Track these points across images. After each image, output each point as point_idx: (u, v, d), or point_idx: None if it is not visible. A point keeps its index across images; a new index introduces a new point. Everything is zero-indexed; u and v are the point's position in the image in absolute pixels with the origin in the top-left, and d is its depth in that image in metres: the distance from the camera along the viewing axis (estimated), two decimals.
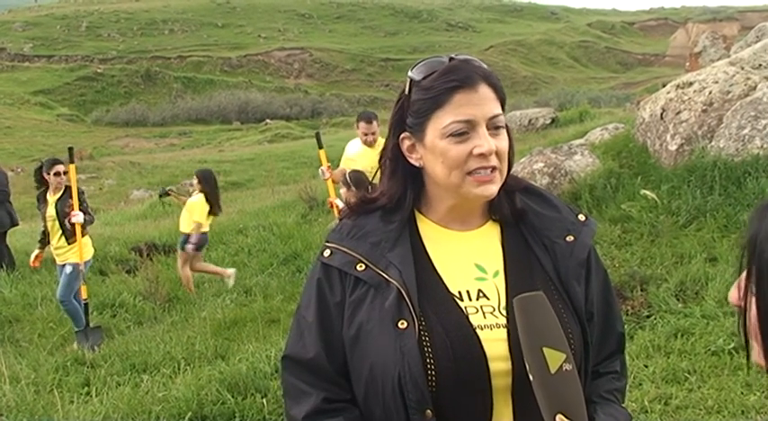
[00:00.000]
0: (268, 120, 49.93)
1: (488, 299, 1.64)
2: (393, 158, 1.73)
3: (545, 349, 1.35)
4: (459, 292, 1.64)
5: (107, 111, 57.15)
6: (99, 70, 67.66)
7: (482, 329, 1.58)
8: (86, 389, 6.13)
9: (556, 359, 1.35)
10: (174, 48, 76.39)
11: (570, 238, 1.72)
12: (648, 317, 5.98)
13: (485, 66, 1.67)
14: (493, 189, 1.64)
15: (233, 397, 5.10)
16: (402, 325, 1.56)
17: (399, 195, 1.71)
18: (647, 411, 4.54)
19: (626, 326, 5.82)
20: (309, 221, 11.87)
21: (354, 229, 1.72)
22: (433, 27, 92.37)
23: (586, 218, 1.79)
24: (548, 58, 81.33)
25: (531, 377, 1.37)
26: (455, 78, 1.60)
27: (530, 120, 17.59)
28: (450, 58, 1.66)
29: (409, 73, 1.68)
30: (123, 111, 56.46)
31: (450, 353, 1.55)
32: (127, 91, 64.84)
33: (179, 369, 6.18)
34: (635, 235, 7.52)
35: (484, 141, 1.59)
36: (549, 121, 17.36)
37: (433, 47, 75.65)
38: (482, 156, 1.60)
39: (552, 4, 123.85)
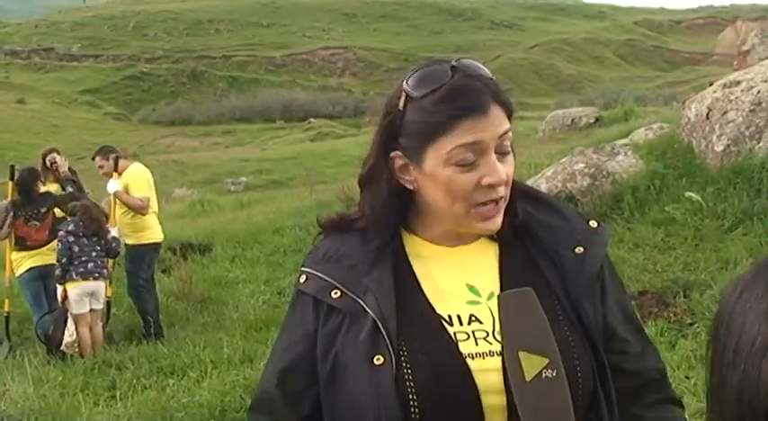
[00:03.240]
0: (311, 119, 50.07)
1: (481, 323, 1.42)
2: (377, 177, 1.49)
3: (521, 353, 1.19)
4: (449, 316, 1.42)
5: (153, 109, 57.91)
6: (145, 69, 68.56)
7: (473, 358, 1.37)
8: (112, 392, 6.06)
9: (534, 364, 1.19)
10: (220, 47, 77.09)
11: (580, 250, 1.48)
12: (691, 324, 5.74)
13: (490, 76, 1.43)
14: (497, 222, 1.43)
15: None
16: (378, 361, 1.36)
17: (381, 217, 1.49)
18: None
19: (667, 335, 5.65)
20: None
21: (331, 250, 1.52)
22: (477, 26, 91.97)
23: (598, 224, 1.55)
24: (593, 57, 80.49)
25: (509, 383, 1.21)
26: (463, 105, 1.37)
27: (572, 120, 17.27)
28: (452, 67, 1.41)
29: (404, 86, 1.43)
30: (169, 109, 57.15)
31: (436, 388, 1.34)
32: (172, 90, 65.63)
33: (206, 373, 6.08)
34: (678, 239, 7.26)
35: (493, 171, 1.38)
36: (592, 121, 17.01)
37: (477, 46, 75.35)
38: (491, 187, 1.39)
39: (599, 2, 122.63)
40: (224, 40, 79.70)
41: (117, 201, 8.00)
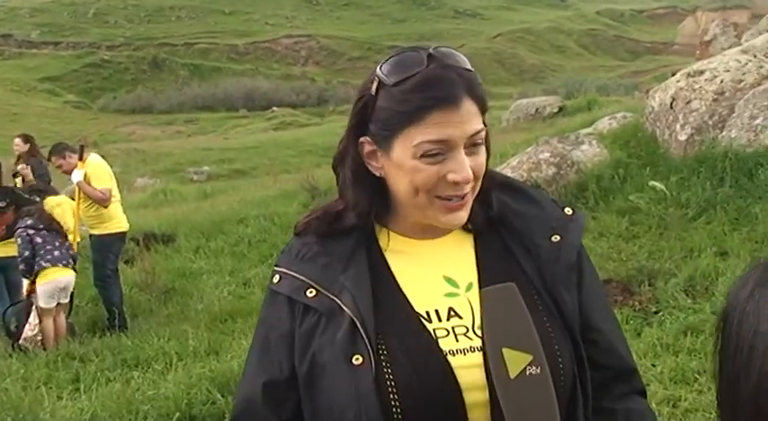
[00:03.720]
0: (274, 108, 49.86)
1: (461, 318, 1.38)
2: (356, 165, 1.46)
3: (505, 350, 1.19)
4: (427, 313, 1.39)
5: (114, 97, 57.30)
6: (106, 57, 67.76)
7: (454, 355, 1.33)
8: (76, 385, 5.96)
9: (518, 361, 1.19)
10: (181, 35, 76.39)
11: (556, 238, 1.46)
12: (656, 313, 5.77)
13: (468, 66, 1.39)
14: (462, 216, 1.40)
15: (223, 396, 4.91)
16: (357, 360, 1.33)
17: (368, 210, 1.46)
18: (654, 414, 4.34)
19: (633, 323, 5.69)
20: None
21: (305, 249, 1.48)
22: (441, 14, 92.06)
23: (574, 211, 1.52)
24: (556, 46, 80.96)
25: (493, 381, 1.20)
26: (435, 95, 1.34)
27: (536, 109, 17.36)
28: (429, 56, 1.37)
29: (378, 71, 1.40)
30: (130, 98, 56.58)
31: (417, 387, 1.31)
32: (134, 78, 64.97)
33: (171, 365, 6.01)
34: (643, 227, 7.31)
35: (460, 168, 1.34)
36: (556, 110, 17.10)
37: (440, 34, 75.40)
38: (456, 183, 1.36)
39: None
40: (186, 28, 78.96)
41: (81, 192, 7.90)
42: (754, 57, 8.49)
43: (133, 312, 8.31)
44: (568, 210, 1.52)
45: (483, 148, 1.41)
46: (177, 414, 4.78)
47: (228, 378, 5.12)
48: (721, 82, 8.13)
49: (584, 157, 8.65)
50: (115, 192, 8.08)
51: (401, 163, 1.38)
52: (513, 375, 1.17)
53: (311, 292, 1.42)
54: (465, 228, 1.50)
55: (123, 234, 8.27)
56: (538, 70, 69.50)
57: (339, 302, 1.39)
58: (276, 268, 1.51)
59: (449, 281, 1.44)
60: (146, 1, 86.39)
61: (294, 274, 1.46)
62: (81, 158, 7.88)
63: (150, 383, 5.52)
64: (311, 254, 1.47)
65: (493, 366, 1.18)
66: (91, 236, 8.11)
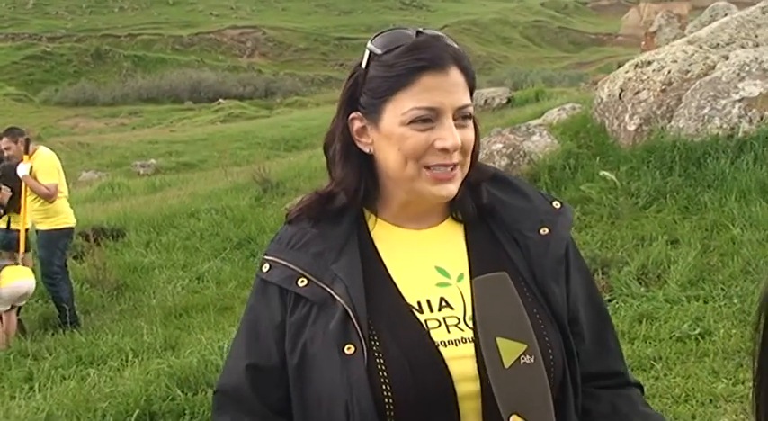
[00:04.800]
0: (221, 100, 49.26)
1: (452, 308, 1.40)
2: (345, 142, 1.47)
3: (499, 339, 1.19)
4: (419, 303, 1.40)
5: (56, 90, 56.05)
6: (47, 49, 66.30)
7: (445, 346, 1.35)
8: (30, 383, 5.86)
9: (512, 351, 1.19)
10: (124, 26, 75.09)
11: (545, 231, 1.48)
12: (611, 301, 5.86)
13: (456, 45, 1.43)
14: (451, 188, 1.41)
15: (183, 392, 4.87)
16: (349, 350, 1.33)
17: (356, 187, 1.47)
18: None
19: None
20: (263, 204, 11.59)
21: (295, 238, 1.48)
22: (388, 6, 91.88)
23: (562, 205, 1.54)
24: (501, 38, 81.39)
25: (487, 371, 1.20)
26: (423, 57, 1.37)
27: (485, 100, 17.43)
28: (418, 32, 1.42)
29: (368, 44, 1.44)
30: (72, 90, 55.37)
31: (410, 378, 1.32)
32: (76, 70, 63.64)
33: (127, 361, 5.93)
34: (594, 217, 7.42)
35: (448, 134, 1.36)
36: (504, 101, 17.22)
37: (387, 26, 74.83)
38: (444, 151, 1.37)
39: None
40: (129, 19, 77.66)
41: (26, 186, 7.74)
42: (700, 48, 8.65)
43: (85, 308, 8.19)
44: (556, 204, 1.54)
45: (472, 124, 1.43)
46: (137, 411, 4.71)
47: (188, 373, 5.06)
48: (669, 72, 8.27)
49: (536, 148, 8.74)
50: (63, 187, 7.94)
51: (390, 132, 1.40)
52: (507, 364, 1.18)
53: (302, 282, 1.42)
54: (455, 218, 1.52)
55: (70, 229, 8.13)
56: (484, 61, 69.78)
57: (331, 292, 1.39)
58: (266, 257, 1.50)
59: (440, 271, 1.45)
60: None
61: (285, 263, 1.45)
62: (27, 152, 7.73)
63: (107, 380, 5.43)
64: (301, 243, 1.47)
65: (486, 355, 1.19)
66: (37, 231, 7.97)
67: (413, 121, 1.37)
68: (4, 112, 47.49)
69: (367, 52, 1.43)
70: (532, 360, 1.19)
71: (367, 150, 1.46)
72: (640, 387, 1.58)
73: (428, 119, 1.37)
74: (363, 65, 1.44)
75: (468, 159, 1.44)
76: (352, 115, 1.45)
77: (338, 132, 1.48)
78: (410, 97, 1.37)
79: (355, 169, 1.47)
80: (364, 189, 1.48)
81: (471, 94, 1.43)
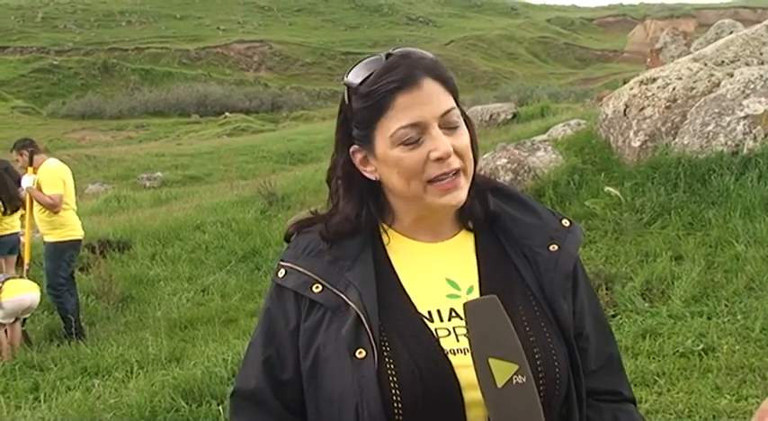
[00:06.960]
0: (227, 114, 49.43)
1: (462, 318, 1.42)
2: (345, 176, 1.53)
3: (491, 360, 1.22)
4: (429, 312, 1.44)
5: (63, 103, 56.34)
6: (55, 62, 66.69)
7: (454, 354, 1.39)
8: (35, 394, 5.88)
9: (504, 371, 1.22)
10: (132, 40, 75.56)
11: (554, 248, 1.52)
12: (614, 316, 5.87)
13: (428, 55, 1.47)
14: (459, 195, 1.45)
15: (187, 404, 4.89)
16: (360, 354, 1.37)
17: (357, 214, 1.51)
18: None
19: None
20: (269, 217, 11.63)
21: (311, 245, 1.52)
22: (394, 21, 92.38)
23: (571, 223, 1.58)
24: (507, 54, 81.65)
25: (480, 391, 1.23)
26: (394, 79, 1.41)
27: (491, 116, 17.47)
28: (387, 55, 1.46)
29: (345, 79, 1.48)
30: (80, 103, 55.64)
31: (418, 383, 1.35)
32: (83, 83, 63.98)
33: (132, 373, 5.95)
34: (599, 232, 7.43)
35: (439, 143, 1.40)
36: (510, 116, 17.24)
37: (393, 41, 75.57)
38: (440, 160, 1.40)
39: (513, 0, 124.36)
40: (136, 33, 78.13)
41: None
42: (705, 65, 8.68)
43: (90, 320, 8.21)
44: (566, 222, 1.58)
45: (463, 128, 1.46)
46: None
47: (192, 385, 5.08)
48: (674, 89, 8.30)
49: (541, 164, 8.76)
50: (69, 199, 7.97)
51: (385, 157, 1.44)
52: (500, 385, 1.21)
53: (317, 288, 1.45)
54: (466, 227, 1.56)
55: (78, 242, 8.16)
56: (490, 77, 70.02)
57: (345, 298, 1.42)
58: (282, 263, 1.53)
59: (451, 283, 1.49)
60: (95, 5, 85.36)
61: (300, 269, 1.49)
62: (31, 163, 7.79)
63: (112, 391, 5.47)
64: (318, 249, 1.50)
65: (480, 376, 1.22)
66: (44, 242, 8.01)
67: (403, 143, 1.41)
68: (12, 125, 47.71)
69: (346, 88, 1.48)
70: (524, 380, 1.22)
71: (374, 178, 1.50)
72: (635, 402, 1.62)
73: (416, 137, 1.41)
74: (346, 100, 1.49)
75: (470, 163, 1.47)
76: (352, 149, 1.50)
77: (339, 167, 1.54)
78: (392, 120, 1.41)
79: (356, 200, 1.52)
80: (373, 211, 1.52)
81: (456, 98, 1.46)
